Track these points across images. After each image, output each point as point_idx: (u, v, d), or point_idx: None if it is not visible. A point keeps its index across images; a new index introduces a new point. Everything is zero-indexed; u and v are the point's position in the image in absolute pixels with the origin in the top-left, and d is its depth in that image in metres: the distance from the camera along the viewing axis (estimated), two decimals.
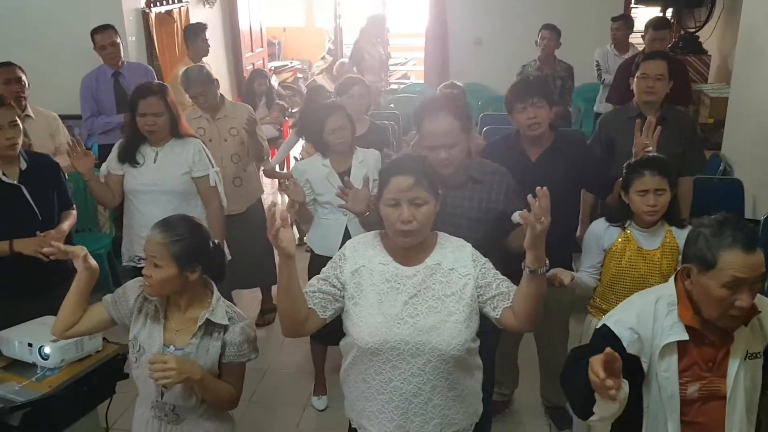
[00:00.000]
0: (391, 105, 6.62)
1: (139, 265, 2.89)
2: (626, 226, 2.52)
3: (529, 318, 1.81)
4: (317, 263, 1.85)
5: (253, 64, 7.66)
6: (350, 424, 2.01)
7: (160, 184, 3.07)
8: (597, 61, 5.76)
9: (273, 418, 3.35)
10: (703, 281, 1.64)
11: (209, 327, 1.99)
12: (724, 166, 4.38)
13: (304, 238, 5.46)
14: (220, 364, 2.01)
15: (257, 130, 3.79)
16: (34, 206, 2.82)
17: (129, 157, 3.10)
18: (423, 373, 1.82)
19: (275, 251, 1.73)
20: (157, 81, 3.31)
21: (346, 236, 3.04)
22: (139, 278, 2.07)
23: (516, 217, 2.03)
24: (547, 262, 1.76)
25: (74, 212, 3.07)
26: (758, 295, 1.73)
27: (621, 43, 5.60)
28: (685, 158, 3.20)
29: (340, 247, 1.97)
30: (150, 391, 2.02)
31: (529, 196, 1.70)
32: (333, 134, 3.08)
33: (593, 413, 1.62)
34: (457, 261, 1.89)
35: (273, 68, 9.00)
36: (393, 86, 8.42)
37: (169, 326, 2.02)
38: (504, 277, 1.91)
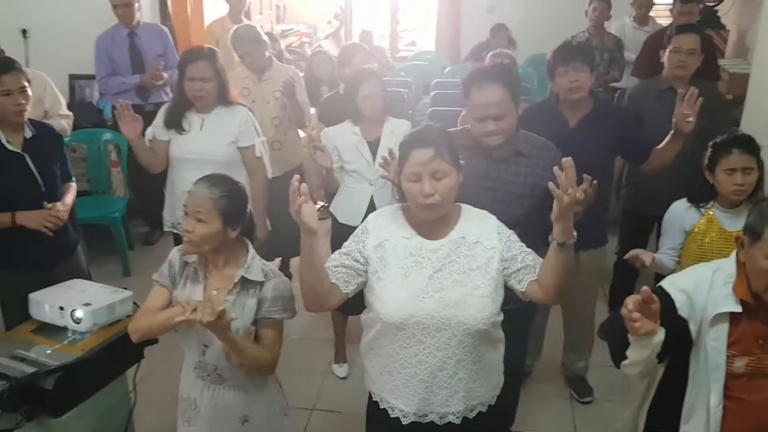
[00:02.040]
0: (402, 73, 6.54)
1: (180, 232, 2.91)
2: (709, 206, 2.46)
3: (555, 290, 1.80)
4: (340, 232, 1.82)
5: (262, 27, 7.53)
6: (371, 397, 2.00)
7: (205, 153, 3.01)
8: None
9: (294, 384, 3.33)
10: (751, 252, 1.65)
11: (245, 284, 1.98)
12: None
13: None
14: (256, 325, 2.00)
15: (298, 94, 3.70)
16: (37, 176, 2.72)
17: (175, 123, 3.04)
18: (448, 347, 1.81)
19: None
20: (207, 45, 3.21)
21: (371, 206, 3.02)
22: (178, 246, 2.07)
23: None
24: (575, 234, 1.75)
25: (74, 185, 3.01)
26: None
27: (644, 15, 5.51)
28: (712, 133, 3.18)
29: (364, 218, 1.95)
30: (193, 351, 2.03)
31: (555, 168, 1.67)
32: (366, 101, 3.04)
33: (627, 357, 1.67)
34: (482, 234, 1.86)
35: (280, 32, 8.85)
36: (402, 53, 8.32)
37: (208, 285, 2.02)
38: (529, 250, 1.89)
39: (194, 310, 1.75)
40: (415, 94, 5.88)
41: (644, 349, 1.62)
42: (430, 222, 1.84)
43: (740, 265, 1.72)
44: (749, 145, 2.38)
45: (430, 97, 5.31)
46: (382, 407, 1.93)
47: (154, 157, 3.10)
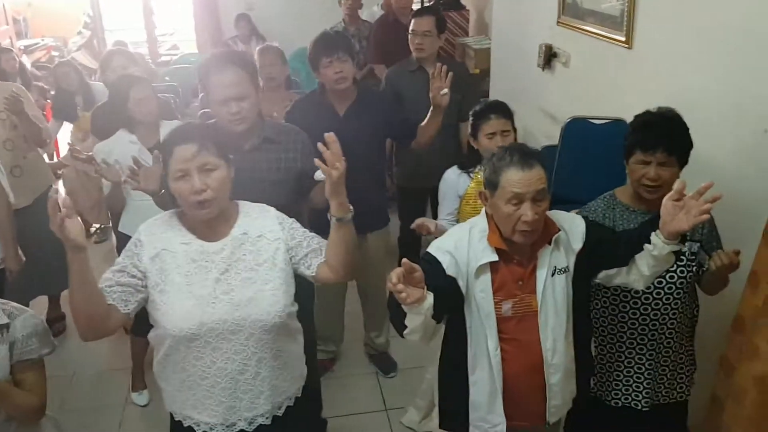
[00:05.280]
0: (167, 78, 6.26)
1: None
2: (477, 171, 2.62)
3: (344, 267, 1.83)
4: None
5: None
6: (172, 417, 1.89)
7: None
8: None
9: (91, 423, 3.10)
10: (494, 202, 1.83)
11: None
12: None
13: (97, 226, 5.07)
14: (13, 371, 1.81)
15: (29, 109, 3.35)
16: None
17: None
18: (246, 349, 1.77)
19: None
20: None
21: None
22: None
23: (319, 174, 2.06)
24: (351, 208, 1.80)
25: None
26: (561, 214, 1.95)
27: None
28: (463, 105, 3.46)
29: None
30: None
31: (319, 144, 1.71)
32: (139, 105, 2.89)
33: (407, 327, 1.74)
34: (264, 227, 1.84)
35: (23, 47, 8.04)
36: (164, 58, 7.98)
37: None
38: (313, 234, 1.90)
39: None
40: (183, 98, 5.66)
41: (418, 316, 1.69)
42: (209, 222, 1.77)
43: (489, 217, 1.89)
44: (503, 110, 2.61)
45: (199, 100, 5.15)
46: (186, 425, 1.84)
47: None
